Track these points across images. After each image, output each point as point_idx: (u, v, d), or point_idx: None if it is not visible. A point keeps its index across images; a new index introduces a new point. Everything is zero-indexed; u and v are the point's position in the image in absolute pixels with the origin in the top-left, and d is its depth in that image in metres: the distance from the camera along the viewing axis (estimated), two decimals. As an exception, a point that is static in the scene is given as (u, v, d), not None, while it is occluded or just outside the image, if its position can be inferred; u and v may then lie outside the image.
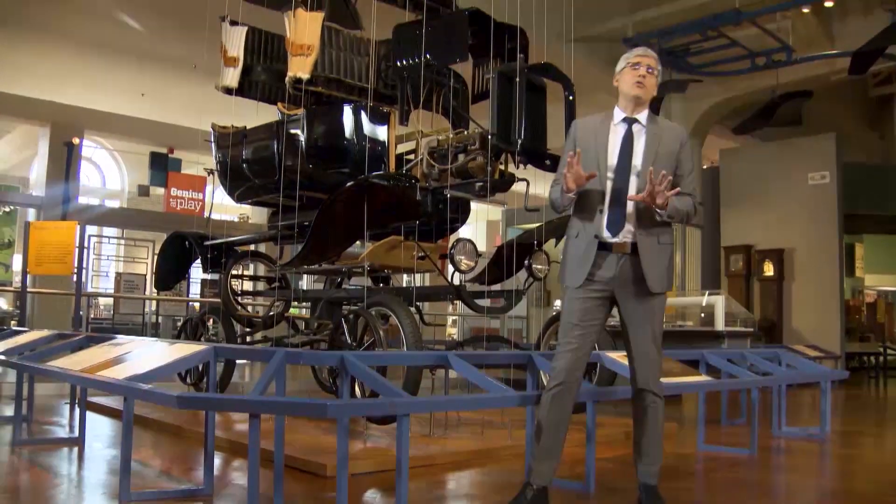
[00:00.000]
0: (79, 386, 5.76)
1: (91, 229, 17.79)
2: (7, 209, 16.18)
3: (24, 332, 6.12)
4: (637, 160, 3.55)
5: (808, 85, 13.30)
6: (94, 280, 18.41)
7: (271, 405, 3.14)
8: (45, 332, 5.84)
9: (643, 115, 3.64)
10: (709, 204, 16.63)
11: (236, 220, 19.30)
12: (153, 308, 16.00)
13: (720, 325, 9.74)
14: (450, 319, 19.69)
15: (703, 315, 10.75)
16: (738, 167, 16.41)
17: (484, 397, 3.74)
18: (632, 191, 3.52)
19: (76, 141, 14.75)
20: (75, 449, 5.14)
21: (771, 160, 15.84)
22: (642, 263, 3.51)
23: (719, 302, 9.80)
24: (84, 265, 16.25)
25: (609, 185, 3.54)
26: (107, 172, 24.13)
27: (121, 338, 4.95)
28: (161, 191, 17.36)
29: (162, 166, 16.45)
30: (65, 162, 14.66)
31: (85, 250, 16.12)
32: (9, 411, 6.20)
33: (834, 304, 14.72)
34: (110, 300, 17.16)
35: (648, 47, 4.14)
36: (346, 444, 3.30)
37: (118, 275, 16.23)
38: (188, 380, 7.27)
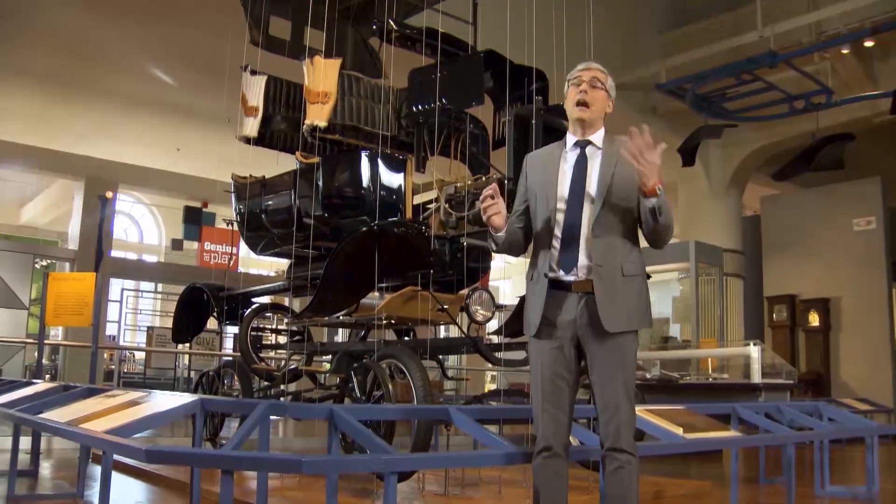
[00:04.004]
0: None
1: (127, 284, 17.94)
2: (44, 263, 16.33)
3: (35, 384, 6.00)
4: (591, 187, 3.15)
5: (849, 128, 12.88)
6: (131, 334, 18.46)
7: (242, 460, 2.93)
8: (52, 385, 5.71)
9: (598, 136, 3.24)
10: (751, 253, 16.21)
11: (273, 274, 19.25)
12: (186, 363, 15.93)
13: (756, 377, 9.23)
14: (489, 375, 19.38)
15: (738, 366, 10.28)
16: (779, 214, 16.06)
17: (482, 454, 3.49)
18: (585, 221, 3.12)
19: (109, 195, 14.84)
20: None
21: (814, 206, 15.47)
22: (596, 299, 3.08)
23: (755, 352, 9.31)
24: (118, 317, 16.48)
25: (560, 217, 3.16)
26: (144, 227, 24.48)
27: (118, 390, 4.80)
28: (195, 245, 17.42)
29: (196, 220, 16.52)
30: (98, 216, 14.78)
31: (116, 304, 16.36)
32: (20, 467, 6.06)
33: (885, 356, 14.19)
34: (144, 354, 17.17)
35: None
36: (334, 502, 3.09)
37: (150, 329, 16.23)
38: (204, 435, 7.07)
